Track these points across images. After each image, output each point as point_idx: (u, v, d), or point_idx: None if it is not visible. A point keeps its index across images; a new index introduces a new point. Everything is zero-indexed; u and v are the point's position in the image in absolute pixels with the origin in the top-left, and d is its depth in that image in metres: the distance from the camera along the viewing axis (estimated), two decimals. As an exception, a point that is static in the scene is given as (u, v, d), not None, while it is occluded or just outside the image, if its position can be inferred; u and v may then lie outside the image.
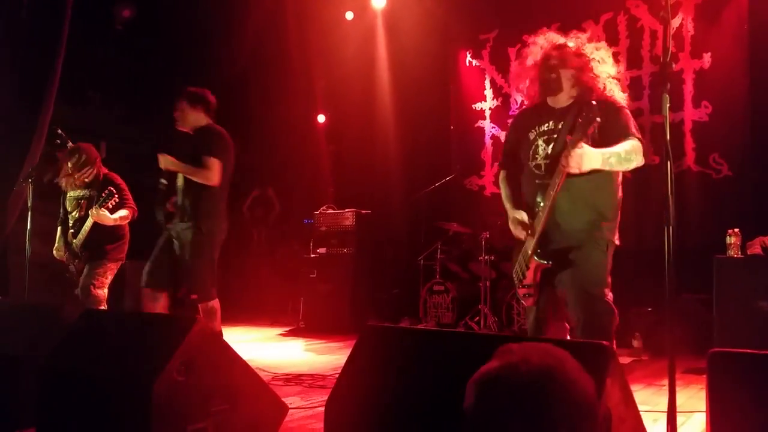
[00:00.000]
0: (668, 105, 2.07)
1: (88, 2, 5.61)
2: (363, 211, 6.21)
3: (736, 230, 3.68)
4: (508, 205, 2.58)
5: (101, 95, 6.63)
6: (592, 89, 2.37)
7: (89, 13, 5.84)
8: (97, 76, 6.58)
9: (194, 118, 3.66)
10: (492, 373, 1.08)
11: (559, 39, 2.45)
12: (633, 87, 5.47)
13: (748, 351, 1.50)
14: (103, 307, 3.93)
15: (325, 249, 6.25)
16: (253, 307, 7.05)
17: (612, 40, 5.60)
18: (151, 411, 1.78)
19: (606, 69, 2.41)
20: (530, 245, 2.40)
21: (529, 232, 2.41)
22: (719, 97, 5.00)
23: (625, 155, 2.28)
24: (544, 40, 2.47)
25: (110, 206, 3.88)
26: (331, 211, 6.38)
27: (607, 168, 2.27)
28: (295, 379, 3.49)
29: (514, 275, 2.52)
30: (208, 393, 1.95)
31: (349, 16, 7.12)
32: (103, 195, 3.87)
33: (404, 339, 1.89)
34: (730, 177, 4.90)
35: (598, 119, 2.19)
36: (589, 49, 2.42)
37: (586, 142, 2.22)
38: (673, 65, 2.12)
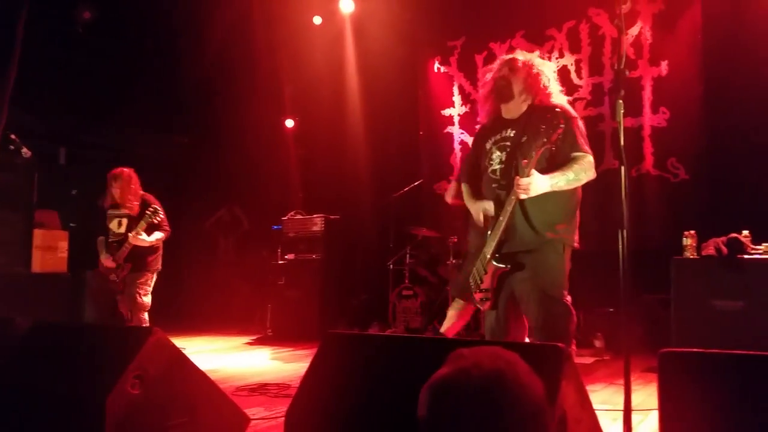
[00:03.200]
0: (622, 111, 2.12)
1: (45, 4, 5.45)
2: (332, 217, 6.18)
3: (692, 232, 3.78)
4: (471, 201, 2.65)
5: (59, 100, 6.43)
6: (538, 94, 2.49)
7: (47, 14, 5.67)
8: (55, 79, 6.38)
9: None
10: (443, 380, 1.08)
11: (510, 55, 2.61)
12: (595, 93, 5.59)
13: (697, 350, 1.54)
14: (147, 313, 4.31)
15: (293, 255, 6.19)
16: (220, 316, 6.93)
17: (574, 48, 5.72)
18: (105, 427, 1.73)
19: (550, 78, 2.55)
20: (489, 250, 2.44)
21: (489, 230, 2.47)
22: (676, 104, 5.13)
23: (575, 176, 2.39)
24: (498, 61, 2.64)
25: (155, 222, 4.23)
26: (299, 216, 6.33)
27: (556, 189, 2.37)
28: (260, 388, 3.44)
29: (471, 280, 2.55)
30: (165, 406, 1.90)
31: (318, 20, 7.09)
32: (148, 212, 4.19)
33: (364, 346, 1.89)
34: (686, 180, 5.03)
35: (563, 125, 2.26)
36: (536, 60, 2.57)
37: (550, 148, 2.29)
38: (628, 72, 2.18)
